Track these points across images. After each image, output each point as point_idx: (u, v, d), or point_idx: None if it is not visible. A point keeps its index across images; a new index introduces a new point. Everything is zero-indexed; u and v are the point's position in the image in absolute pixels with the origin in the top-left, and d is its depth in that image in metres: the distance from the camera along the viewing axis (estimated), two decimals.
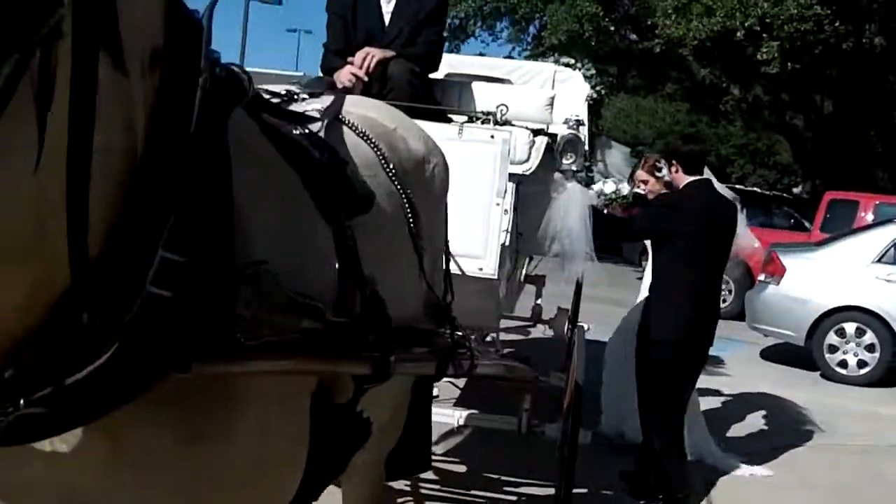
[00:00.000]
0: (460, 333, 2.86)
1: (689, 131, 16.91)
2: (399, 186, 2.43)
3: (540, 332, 6.97)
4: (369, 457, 3.12)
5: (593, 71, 6.98)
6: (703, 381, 8.37)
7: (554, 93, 5.19)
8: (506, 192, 4.06)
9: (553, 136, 4.80)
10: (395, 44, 4.63)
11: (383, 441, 3.07)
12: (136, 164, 1.30)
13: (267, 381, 1.55)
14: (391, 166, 2.43)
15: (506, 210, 4.53)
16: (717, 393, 8.09)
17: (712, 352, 9.81)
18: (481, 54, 8.17)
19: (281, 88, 2.63)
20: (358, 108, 2.64)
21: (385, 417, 2.50)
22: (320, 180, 1.87)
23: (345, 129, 2.40)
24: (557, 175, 4.69)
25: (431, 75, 5.23)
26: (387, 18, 4.74)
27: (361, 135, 2.42)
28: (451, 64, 6.77)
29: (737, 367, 9.46)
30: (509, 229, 4.53)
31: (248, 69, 1.66)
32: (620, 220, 5.21)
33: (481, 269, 4.07)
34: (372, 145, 2.42)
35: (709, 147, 30.32)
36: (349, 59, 4.42)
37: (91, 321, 1.27)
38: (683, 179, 5.25)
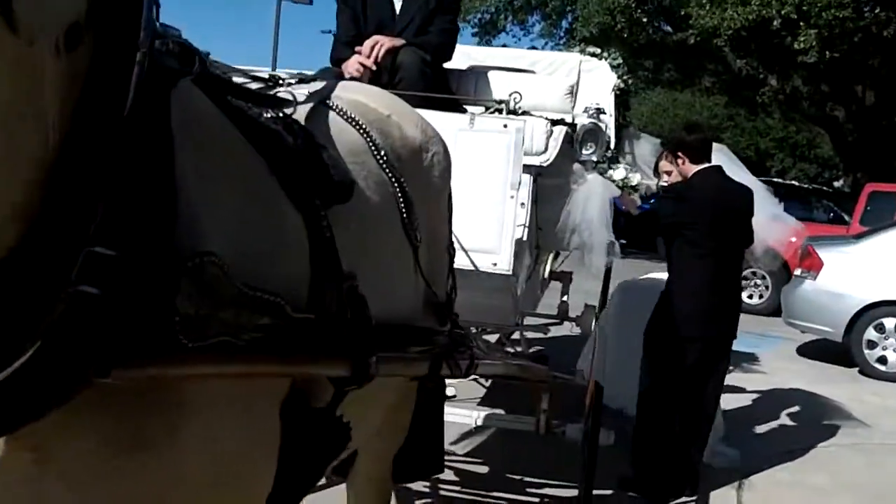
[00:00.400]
0: (462, 331, 2.74)
1: (710, 122, 16.51)
2: (391, 175, 2.29)
3: (567, 329, 6.79)
4: (370, 459, 3.02)
5: (620, 60, 6.74)
6: (737, 379, 8.23)
7: (574, 81, 5.03)
8: (520, 183, 3.90)
9: (573, 126, 4.64)
10: (406, 32, 4.51)
11: (382, 443, 2.95)
12: (51, 156, 1.18)
13: (218, 385, 1.42)
14: (382, 153, 2.30)
15: (522, 203, 4.38)
16: (751, 391, 7.86)
17: (747, 348, 9.78)
18: (505, 46, 7.96)
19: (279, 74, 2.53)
20: (350, 93, 2.51)
21: (377, 420, 2.36)
22: (291, 166, 1.74)
23: (331, 114, 2.27)
24: (577, 166, 4.53)
25: (446, 65, 5.12)
26: (398, 7, 4.62)
27: (350, 120, 2.29)
28: (473, 56, 6.63)
29: (772, 363, 9.23)
30: (526, 223, 4.38)
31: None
32: (634, 216, 5.05)
33: (495, 265, 3.92)
34: (361, 131, 2.29)
35: (746, 140, 30.20)
36: (357, 48, 4.30)
37: (5, 323, 1.15)
38: (691, 169, 5.12)
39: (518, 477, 5.10)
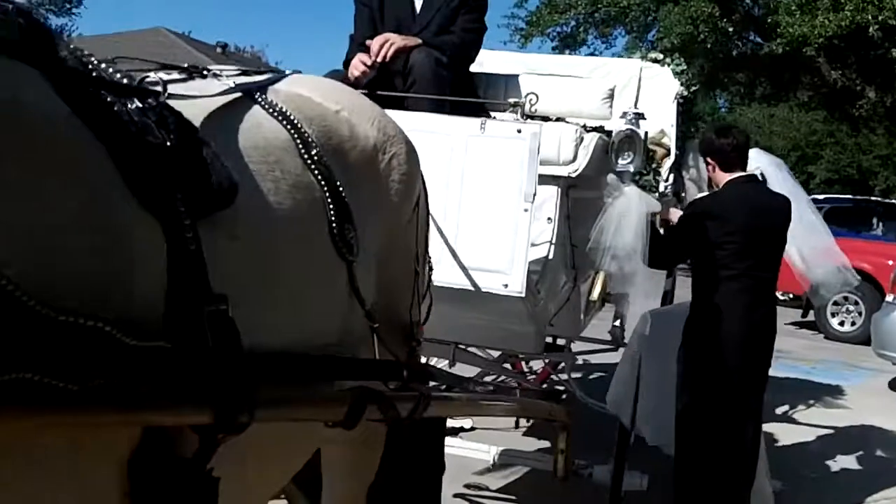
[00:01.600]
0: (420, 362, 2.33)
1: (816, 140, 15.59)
2: (320, 177, 1.93)
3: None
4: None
5: (683, 67, 6.28)
6: (817, 414, 7.58)
7: (613, 85, 4.55)
8: (534, 195, 3.45)
9: (610, 134, 4.18)
10: (425, 32, 4.18)
11: (343, 486, 2.61)
12: None
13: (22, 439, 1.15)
14: (314, 153, 1.94)
15: (549, 218, 3.97)
16: (829, 426, 7.19)
17: (833, 380, 9.07)
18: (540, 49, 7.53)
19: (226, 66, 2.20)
20: (295, 86, 2.18)
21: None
22: (147, 166, 1.39)
23: (252, 108, 1.93)
24: (612, 177, 4.06)
25: (480, 70, 4.73)
26: (418, 6, 4.28)
27: (277, 114, 1.95)
28: (528, 64, 6.26)
29: (859, 398, 8.49)
30: (552, 240, 3.96)
31: None
32: (660, 237, 4.48)
33: (506, 286, 3.49)
34: (289, 126, 1.94)
35: (848, 157, 28.85)
36: (369, 42, 3.94)
37: None
38: (723, 178, 4.46)
39: None
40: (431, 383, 2.74)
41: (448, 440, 4.33)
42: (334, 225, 1.92)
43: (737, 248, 4.33)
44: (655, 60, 6.52)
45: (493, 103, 3.85)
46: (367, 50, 4.05)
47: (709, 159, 4.57)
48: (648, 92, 6.31)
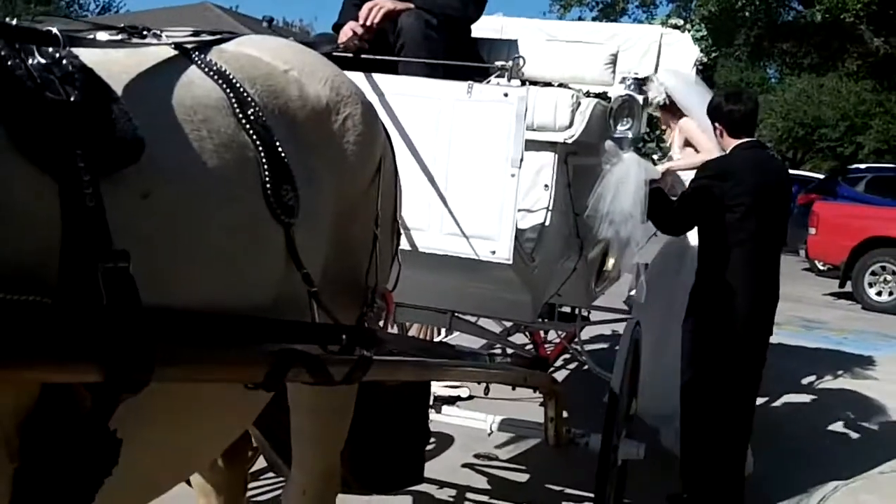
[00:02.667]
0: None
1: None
2: (255, 137, 1.89)
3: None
4: (301, 472, 2.66)
5: (703, 32, 6.17)
6: (843, 384, 7.46)
7: (616, 49, 4.47)
8: (521, 160, 3.41)
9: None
10: None
11: (312, 454, 2.60)
12: None
13: None
14: (250, 112, 1.91)
15: (546, 185, 3.93)
16: (853, 397, 7.07)
17: (864, 350, 8.91)
18: (580, 18, 7.44)
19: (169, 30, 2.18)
20: (243, 46, 2.16)
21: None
22: (39, 120, 1.39)
23: (188, 66, 1.90)
24: (609, 144, 4.01)
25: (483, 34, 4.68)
26: None
27: (213, 73, 1.92)
28: (547, 30, 6.19)
29: (888, 368, 8.33)
30: (549, 206, 3.92)
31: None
32: (670, 210, 4.46)
33: (494, 253, 3.46)
34: (224, 85, 1.91)
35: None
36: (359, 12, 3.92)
37: None
38: (730, 143, 4.51)
39: (535, 489, 4.64)
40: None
41: (446, 409, 4.37)
42: (269, 186, 1.88)
43: (746, 209, 4.35)
44: (676, 27, 6.41)
45: (483, 67, 3.79)
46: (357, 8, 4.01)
47: (717, 124, 4.56)
48: (668, 58, 6.22)
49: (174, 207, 1.63)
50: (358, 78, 3.54)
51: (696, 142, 5.08)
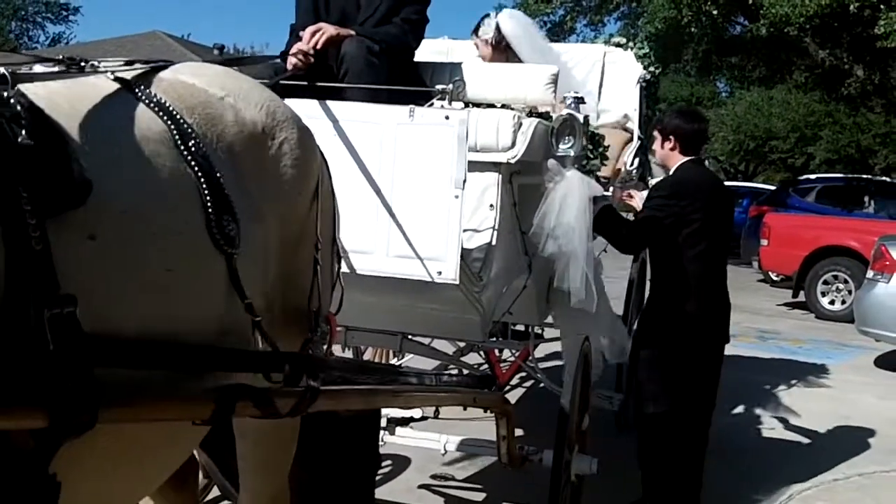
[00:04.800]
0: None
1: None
2: (196, 168, 1.90)
3: None
4: (247, 499, 2.65)
5: (646, 50, 6.28)
6: (798, 394, 7.56)
7: (556, 69, 4.52)
8: (464, 181, 3.45)
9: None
10: (368, 22, 4.15)
11: (255, 483, 2.59)
12: None
13: None
14: (191, 143, 1.92)
15: (491, 205, 3.97)
16: (807, 406, 7.17)
17: (818, 359, 9.04)
18: None
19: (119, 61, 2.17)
20: (178, 73, 2.16)
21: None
22: None
23: (130, 99, 1.91)
24: (552, 162, 4.06)
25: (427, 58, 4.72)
26: None
27: (154, 104, 1.93)
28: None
29: (843, 376, 8.47)
30: (496, 226, 3.95)
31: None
32: (626, 228, 4.54)
33: (440, 273, 3.49)
34: (165, 117, 1.92)
35: (847, 137, 28.70)
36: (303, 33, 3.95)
37: None
38: (677, 159, 4.61)
39: None
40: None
41: (400, 431, 4.37)
42: (212, 217, 1.89)
43: (700, 225, 4.45)
44: (618, 45, 6.51)
45: (422, 91, 3.83)
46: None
47: (672, 138, 4.65)
48: (612, 76, 6.31)
49: (120, 247, 1.64)
50: (302, 104, 3.57)
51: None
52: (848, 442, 6.39)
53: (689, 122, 4.69)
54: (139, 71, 2.07)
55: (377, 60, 3.94)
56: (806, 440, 6.39)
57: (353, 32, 3.98)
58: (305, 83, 3.72)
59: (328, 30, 3.91)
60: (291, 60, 3.88)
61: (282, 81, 3.75)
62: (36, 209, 1.44)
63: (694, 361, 4.47)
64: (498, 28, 4.97)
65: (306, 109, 3.54)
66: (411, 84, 4.07)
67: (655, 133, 4.81)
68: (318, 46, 3.86)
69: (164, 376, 1.70)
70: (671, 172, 4.67)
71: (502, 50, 4.98)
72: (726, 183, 25.92)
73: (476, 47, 5.08)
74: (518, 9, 17.91)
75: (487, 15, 5.04)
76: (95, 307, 1.54)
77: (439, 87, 3.69)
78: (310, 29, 3.91)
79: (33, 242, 1.42)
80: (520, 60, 4.96)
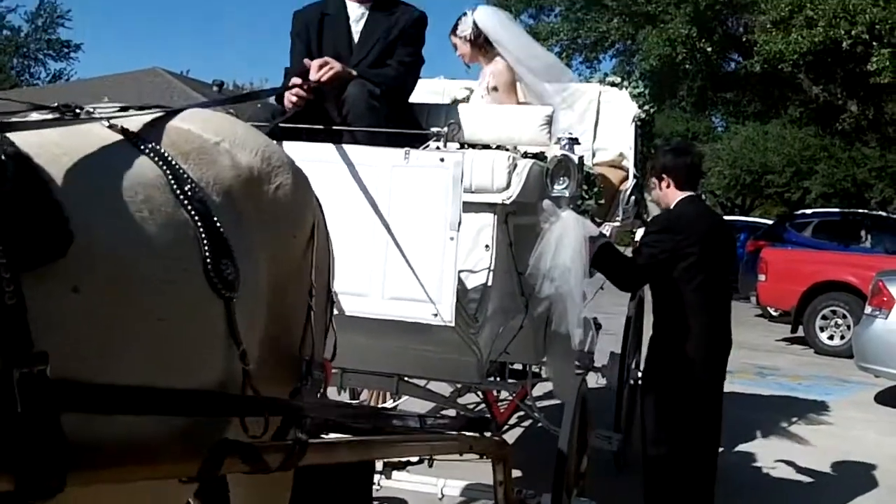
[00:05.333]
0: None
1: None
2: (194, 213, 1.89)
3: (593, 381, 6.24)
4: None
5: (641, 89, 6.31)
6: (799, 431, 7.51)
7: (550, 110, 4.54)
8: (459, 223, 3.45)
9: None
10: (362, 64, 4.17)
11: None
12: None
13: None
14: (187, 188, 1.90)
15: (487, 246, 3.96)
16: (809, 444, 7.12)
17: (818, 396, 8.99)
18: None
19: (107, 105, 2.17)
20: (177, 120, 2.15)
21: None
22: None
23: (125, 145, 1.91)
24: (547, 203, 4.06)
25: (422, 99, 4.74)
26: (356, 38, 4.28)
27: (149, 150, 1.92)
28: None
29: (844, 412, 8.42)
30: (491, 267, 3.94)
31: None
32: (624, 265, 4.56)
33: (436, 315, 3.48)
34: (160, 162, 1.91)
35: (843, 171, 28.81)
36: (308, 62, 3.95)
37: None
38: (675, 196, 4.61)
39: None
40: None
41: (396, 475, 4.32)
42: (209, 261, 1.87)
43: (696, 259, 4.44)
44: (613, 84, 6.53)
45: (418, 134, 3.83)
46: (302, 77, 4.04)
47: (664, 176, 4.65)
48: (607, 115, 6.33)
49: (108, 298, 1.61)
50: (298, 146, 3.58)
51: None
52: (850, 479, 6.34)
53: (680, 156, 4.70)
54: (133, 117, 2.07)
55: (377, 103, 3.95)
56: (808, 478, 6.33)
57: (355, 73, 4.00)
58: (304, 125, 3.73)
59: (336, 66, 3.92)
60: (291, 98, 3.88)
61: (280, 124, 3.77)
62: (11, 262, 1.42)
63: (697, 400, 4.45)
64: (475, 24, 4.92)
65: (301, 152, 3.55)
66: (407, 126, 4.08)
67: (652, 178, 4.81)
68: (324, 79, 3.87)
69: (149, 433, 1.68)
70: (671, 206, 4.67)
71: (481, 45, 4.94)
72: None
73: (455, 47, 5.02)
74: None
75: (464, 14, 4.98)
76: (80, 361, 1.52)
77: (434, 129, 3.70)
78: (318, 61, 3.92)
79: (6, 297, 1.40)
80: (499, 55, 4.92)
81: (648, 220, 6.34)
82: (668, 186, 4.63)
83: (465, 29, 4.91)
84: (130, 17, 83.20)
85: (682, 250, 4.41)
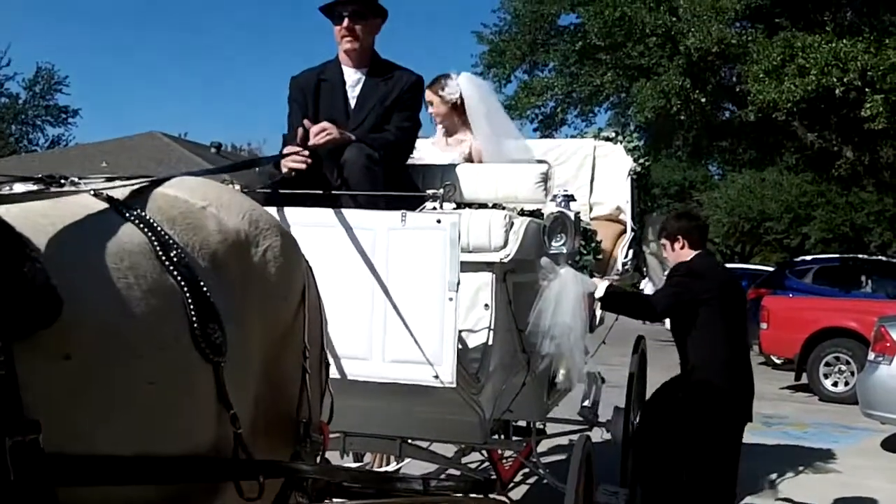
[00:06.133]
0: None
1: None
2: (180, 279, 1.89)
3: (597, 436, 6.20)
4: None
5: (635, 143, 6.39)
6: (805, 480, 7.43)
7: (546, 168, 4.57)
8: (458, 283, 3.47)
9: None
10: (360, 129, 4.22)
11: None
12: None
13: None
14: (173, 254, 1.92)
15: (486, 305, 3.97)
16: (816, 490, 7.04)
17: (824, 444, 8.92)
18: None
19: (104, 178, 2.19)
20: (163, 187, 2.18)
21: None
22: None
23: (110, 213, 1.92)
24: (545, 260, 4.08)
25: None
26: (352, 103, 4.34)
27: (134, 217, 1.93)
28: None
29: (850, 460, 8.33)
30: (491, 326, 3.95)
31: None
32: (642, 298, 4.83)
33: (437, 377, 3.48)
34: (146, 229, 1.92)
35: (840, 216, 28.94)
36: (308, 125, 3.99)
37: None
38: (690, 254, 5.18)
39: None
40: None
41: None
42: (196, 326, 1.87)
43: (720, 305, 4.99)
44: (608, 138, 6.59)
45: (414, 196, 3.86)
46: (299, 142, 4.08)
47: (679, 237, 5.20)
48: (603, 170, 6.38)
49: (99, 365, 1.62)
50: (296, 211, 3.62)
51: None
52: None
53: (692, 220, 5.35)
54: (119, 186, 2.09)
55: (375, 167, 3.99)
56: None
57: (353, 137, 4.04)
58: (303, 191, 3.77)
59: (333, 131, 3.97)
60: (288, 164, 3.92)
61: (281, 190, 3.81)
62: (1, 332, 1.43)
63: (722, 431, 4.98)
64: (461, 90, 5.01)
65: (300, 216, 3.60)
66: (404, 188, 4.12)
67: (663, 240, 5.31)
68: (322, 143, 3.91)
69: (143, 498, 1.68)
70: None
71: (460, 111, 5.01)
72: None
73: (430, 104, 5.05)
74: (509, 102, 18.27)
75: (449, 75, 5.06)
76: (72, 428, 1.52)
77: (430, 191, 3.74)
78: (317, 126, 3.97)
79: None
80: (468, 127, 5.01)
81: (648, 271, 6.40)
82: (682, 247, 5.17)
83: (452, 93, 4.99)
84: (127, 82, 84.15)
85: (701, 295, 4.92)
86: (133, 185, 2.13)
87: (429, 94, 4.97)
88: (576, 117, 19.38)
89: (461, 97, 4.98)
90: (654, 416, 5.12)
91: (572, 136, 8.17)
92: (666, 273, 5.47)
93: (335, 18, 4.31)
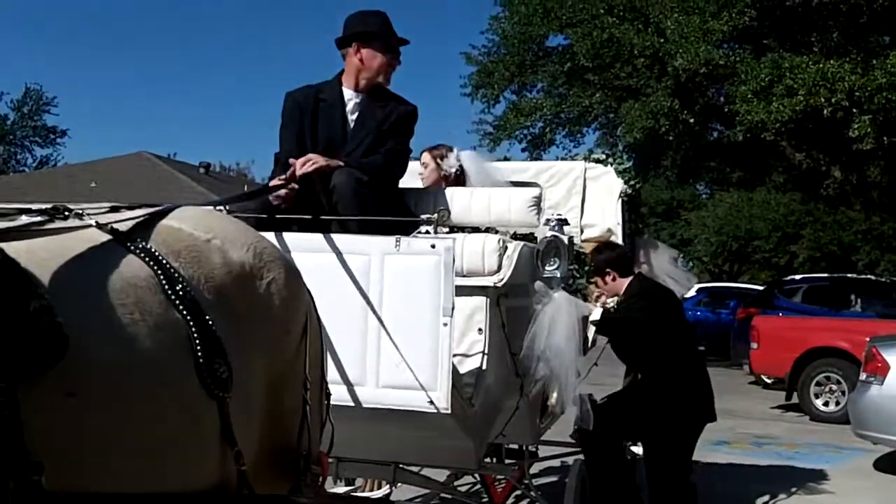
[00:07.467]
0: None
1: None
2: (186, 313, 1.88)
3: None
4: None
5: (626, 165, 6.40)
6: (797, 501, 7.41)
7: (539, 192, 4.59)
8: (452, 308, 3.46)
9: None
10: (355, 153, 4.22)
11: None
12: None
13: None
14: (178, 288, 1.90)
15: (480, 329, 3.97)
16: None
17: (816, 464, 8.91)
18: (506, 158, 7.61)
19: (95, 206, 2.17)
20: (169, 219, 2.16)
21: None
22: None
23: (115, 247, 1.91)
24: (539, 284, 4.08)
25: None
26: (351, 126, 4.34)
27: (140, 251, 1.93)
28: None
29: (843, 481, 8.30)
30: (486, 351, 3.94)
31: None
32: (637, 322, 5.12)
33: (431, 403, 3.46)
34: (151, 263, 1.91)
35: (828, 235, 29.11)
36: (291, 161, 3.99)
37: None
38: (623, 283, 5.28)
39: None
40: None
41: None
42: (202, 362, 1.86)
43: (673, 326, 5.21)
44: (598, 161, 6.60)
45: (408, 221, 3.86)
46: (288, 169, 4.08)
47: (608, 270, 5.23)
48: (594, 192, 6.38)
49: (104, 402, 1.60)
50: (290, 237, 3.60)
51: None
52: None
53: (613, 250, 5.38)
54: (123, 219, 2.07)
55: (365, 191, 3.99)
56: None
57: (341, 163, 4.04)
58: (294, 216, 3.76)
59: (318, 161, 3.97)
60: (275, 199, 3.92)
61: (278, 216, 3.80)
62: (4, 372, 1.41)
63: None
64: (460, 165, 5.07)
65: (293, 242, 3.58)
66: (397, 212, 4.12)
67: (594, 277, 5.32)
68: (308, 171, 3.91)
69: None
70: (622, 292, 5.24)
71: (451, 181, 5.03)
72: (711, 284, 26.02)
73: (424, 165, 5.08)
74: (500, 123, 18.31)
75: (450, 148, 5.11)
76: (77, 467, 1.50)
77: (424, 215, 3.73)
78: (301, 160, 3.97)
79: (1, 407, 1.39)
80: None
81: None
82: (613, 279, 5.25)
83: (451, 166, 5.03)
84: (115, 102, 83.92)
85: (657, 313, 5.09)
86: (137, 217, 2.11)
87: (426, 157, 5.05)
88: (564, 138, 19.42)
89: (460, 171, 5.04)
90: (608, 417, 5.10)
91: (561, 158, 8.18)
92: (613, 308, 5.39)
93: (387, 49, 4.34)
